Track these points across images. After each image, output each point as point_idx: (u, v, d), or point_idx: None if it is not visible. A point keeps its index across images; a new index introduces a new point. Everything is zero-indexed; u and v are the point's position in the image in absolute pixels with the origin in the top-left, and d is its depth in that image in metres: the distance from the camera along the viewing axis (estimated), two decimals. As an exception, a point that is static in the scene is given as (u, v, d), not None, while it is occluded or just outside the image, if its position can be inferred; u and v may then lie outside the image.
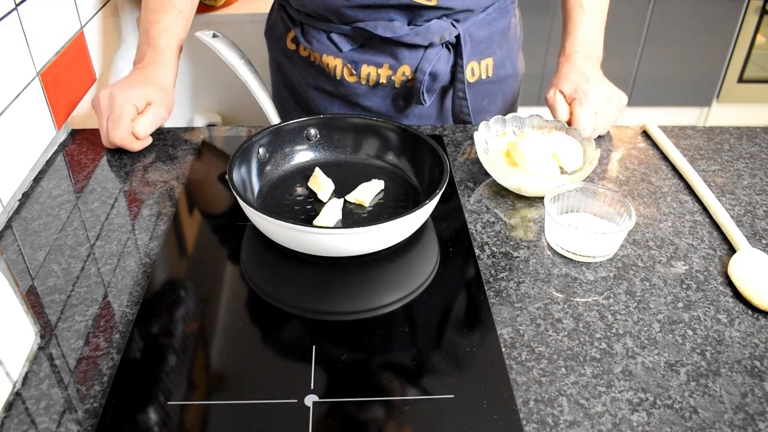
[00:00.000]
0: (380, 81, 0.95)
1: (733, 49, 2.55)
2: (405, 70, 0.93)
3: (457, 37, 0.92)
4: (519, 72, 1.05)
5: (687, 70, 2.59)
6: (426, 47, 0.92)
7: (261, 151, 0.77)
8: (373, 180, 0.77)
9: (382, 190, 0.77)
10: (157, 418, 0.50)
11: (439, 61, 0.92)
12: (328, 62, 0.95)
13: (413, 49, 0.92)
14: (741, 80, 2.62)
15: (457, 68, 0.94)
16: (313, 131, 0.81)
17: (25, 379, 0.54)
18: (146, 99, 0.84)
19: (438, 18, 0.91)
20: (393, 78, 0.94)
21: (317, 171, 0.78)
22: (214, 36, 0.82)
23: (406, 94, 0.97)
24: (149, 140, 0.87)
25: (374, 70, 0.94)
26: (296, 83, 1.03)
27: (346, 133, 0.82)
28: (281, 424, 0.50)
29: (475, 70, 0.97)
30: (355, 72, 0.95)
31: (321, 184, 0.75)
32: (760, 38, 2.53)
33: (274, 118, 0.81)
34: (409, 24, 0.91)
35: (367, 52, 0.93)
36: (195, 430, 0.50)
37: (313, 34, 0.95)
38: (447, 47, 0.93)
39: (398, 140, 0.80)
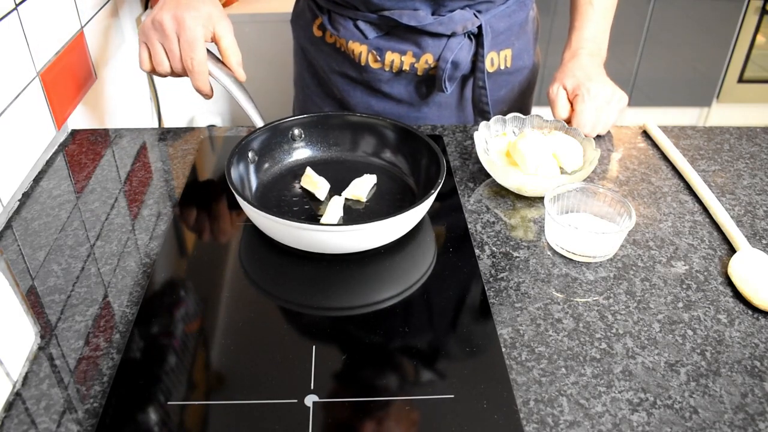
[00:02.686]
0: (403, 68, 0.97)
1: (733, 49, 2.55)
2: (428, 58, 0.95)
3: (479, 27, 0.94)
4: (535, 64, 1.07)
5: (687, 70, 2.58)
6: (449, 36, 0.94)
7: (250, 155, 0.77)
8: (365, 175, 0.77)
9: (375, 184, 0.77)
10: (157, 418, 0.50)
11: (461, 51, 0.94)
12: (354, 48, 0.97)
13: (436, 38, 0.94)
14: (741, 80, 2.62)
15: (477, 58, 0.97)
16: (296, 131, 0.81)
17: (25, 379, 0.54)
18: (211, 20, 0.79)
19: (461, 8, 0.93)
20: (416, 65, 0.96)
21: (309, 170, 0.78)
22: None
23: (428, 81, 0.99)
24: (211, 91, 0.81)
25: (398, 57, 0.96)
26: (320, 69, 1.05)
27: (342, 130, 0.82)
28: (281, 424, 0.50)
29: (495, 60, 1.00)
30: (379, 59, 0.97)
31: (316, 183, 0.75)
32: (760, 38, 2.53)
33: (258, 122, 0.80)
34: (433, 14, 0.93)
35: (391, 39, 0.95)
36: (195, 430, 0.50)
37: (340, 21, 0.97)
38: (469, 37, 0.95)
39: (394, 137, 0.80)
